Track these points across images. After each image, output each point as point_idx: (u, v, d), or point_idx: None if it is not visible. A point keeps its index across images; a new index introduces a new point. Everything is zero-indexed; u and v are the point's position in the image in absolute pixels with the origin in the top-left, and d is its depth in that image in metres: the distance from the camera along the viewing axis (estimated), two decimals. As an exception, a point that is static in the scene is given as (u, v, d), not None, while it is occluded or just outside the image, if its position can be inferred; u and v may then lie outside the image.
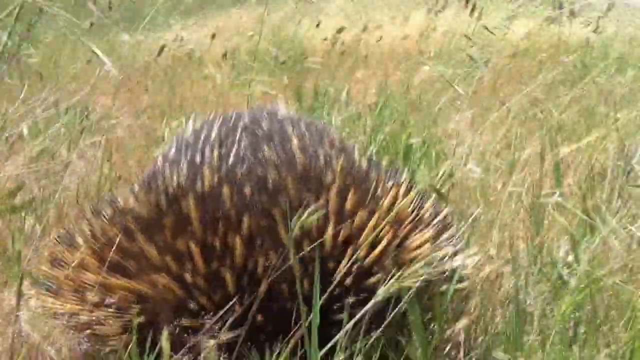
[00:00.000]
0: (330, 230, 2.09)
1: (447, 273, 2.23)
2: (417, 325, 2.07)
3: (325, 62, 6.16)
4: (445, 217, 2.40)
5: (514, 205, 3.17)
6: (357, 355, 1.96)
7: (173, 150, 2.36)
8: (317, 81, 5.30)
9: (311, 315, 1.86)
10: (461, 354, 2.15)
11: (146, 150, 3.99)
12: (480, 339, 2.31)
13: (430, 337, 2.18)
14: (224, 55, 6.15)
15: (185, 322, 2.02)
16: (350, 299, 1.99)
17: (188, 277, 2.04)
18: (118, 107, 4.41)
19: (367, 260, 2.12)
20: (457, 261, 2.25)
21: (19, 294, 2.09)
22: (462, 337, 2.20)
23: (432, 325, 2.24)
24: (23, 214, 2.93)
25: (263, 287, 2.03)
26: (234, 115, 2.45)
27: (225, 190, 2.11)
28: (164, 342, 1.81)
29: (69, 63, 6.03)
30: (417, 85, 5.18)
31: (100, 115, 4.25)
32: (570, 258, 2.44)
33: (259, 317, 2.02)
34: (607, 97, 4.82)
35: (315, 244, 2.02)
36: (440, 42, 6.97)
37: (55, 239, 2.40)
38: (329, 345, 1.86)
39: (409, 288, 1.96)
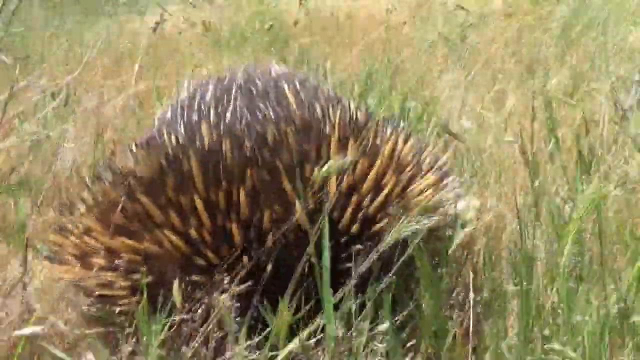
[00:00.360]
0: (333, 180, 2.08)
1: (450, 218, 2.23)
2: (425, 269, 2.07)
3: (306, 33, 6.16)
4: (444, 163, 2.40)
5: (509, 158, 3.17)
6: (369, 301, 1.96)
7: (169, 112, 2.35)
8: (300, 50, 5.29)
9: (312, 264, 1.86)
10: (470, 296, 2.15)
11: (137, 128, 3.96)
12: (487, 282, 2.32)
13: (439, 281, 2.18)
14: (205, 31, 6.13)
15: (194, 277, 2.01)
16: (357, 247, 1.99)
17: (193, 232, 2.03)
18: (106, 88, 4.38)
19: (372, 207, 2.12)
20: (460, 205, 2.26)
21: (25, 262, 2.07)
22: (470, 280, 2.20)
23: (440, 269, 2.25)
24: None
25: (270, 240, 2.02)
26: (228, 76, 2.45)
27: (226, 145, 2.10)
28: (176, 295, 1.80)
29: (53, 49, 5.99)
30: (402, 50, 5.18)
31: (88, 97, 4.22)
32: (568, 208, 2.44)
33: (269, 268, 2.01)
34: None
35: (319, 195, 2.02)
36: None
37: (57, 208, 2.38)
38: (339, 293, 1.85)
39: (415, 233, 1.95)
